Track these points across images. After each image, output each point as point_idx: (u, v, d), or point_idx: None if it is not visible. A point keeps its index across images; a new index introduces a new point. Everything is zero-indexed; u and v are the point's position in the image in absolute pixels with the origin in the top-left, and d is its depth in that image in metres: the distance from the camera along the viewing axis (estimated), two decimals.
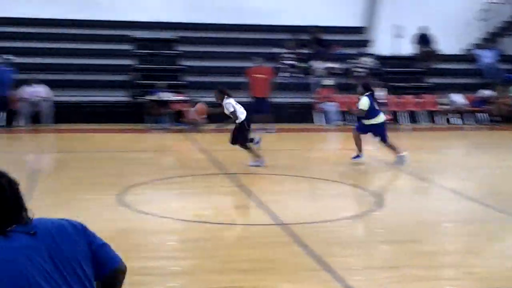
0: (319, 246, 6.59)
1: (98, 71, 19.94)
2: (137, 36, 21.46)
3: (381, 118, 12.01)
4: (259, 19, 21.87)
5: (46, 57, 19.91)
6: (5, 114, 17.55)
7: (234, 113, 11.48)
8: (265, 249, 6.59)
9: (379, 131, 12.03)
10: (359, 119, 12.20)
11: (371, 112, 11.89)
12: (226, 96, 11.60)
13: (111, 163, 11.82)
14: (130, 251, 6.51)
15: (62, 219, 2.21)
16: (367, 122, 11.98)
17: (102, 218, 7.72)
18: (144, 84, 19.37)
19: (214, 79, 20.26)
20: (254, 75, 17.58)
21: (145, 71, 20.37)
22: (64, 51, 20.31)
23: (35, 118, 17.73)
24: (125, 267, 2.29)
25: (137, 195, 9.24)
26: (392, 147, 12.14)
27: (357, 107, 12.00)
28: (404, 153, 11.97)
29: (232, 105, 11.54)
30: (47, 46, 20.33)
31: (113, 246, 6.91)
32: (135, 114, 18.40)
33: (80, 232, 2.22)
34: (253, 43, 21.75)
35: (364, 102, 11.82)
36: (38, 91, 17.82)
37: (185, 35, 21.78)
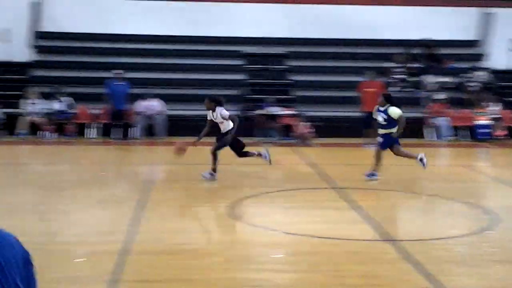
0: (430, 264, 6.42)
1: (210, 85, 20.41)
2: (248, 52, 21.83)
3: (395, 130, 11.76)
4: (369, 33, 21.70)
5: (161, 72, 20.63)
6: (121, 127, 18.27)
7: (231, 116, 11.30)
8: (373, 265, 6.50)
9: (389, 140, 11.69)
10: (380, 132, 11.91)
11: (390, 123, 11.61)
12: (217, 105, 11.44)
13: (222, 176, 12.04)
14: (238, 262, 6.61)
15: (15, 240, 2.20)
16: (383, 131, 11.69)
17: (213, 229, 7.89)
18: (254, 98, 19.65)
19: (323, 93, 20.31)
20: (365, 89, 17.39)
21: (255, 86, 20.66)
22: (177, 66, 20.97)
23: (150, 131, 18.36)
24: None
25: (247, 207, 9.36)
26: (378, 159, 11.74)
27: (386, 120, 11.64)
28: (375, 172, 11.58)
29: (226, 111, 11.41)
30: (161, 62, 21.06)
31: (223, 257, 7.04)
32: (244, 128, 18.63)
33: (25, 256, 2.19)
34: (363, 57, 21.60)
35: (396, 110, 11.53)
36: (152, 105, 18.45)
37: (295, 50, 21.93)
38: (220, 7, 22.19)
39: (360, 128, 17.20)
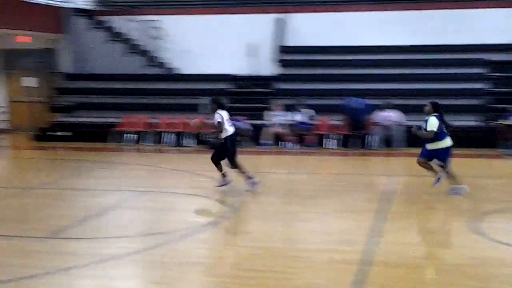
0: None
1: (449, 95, 19.83)
2: (492, 59, 20.87)
3: (448, 142, 10.67)
4: None
5: (398, 83, 20.48)
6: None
7: (220, 124, 10.94)
8: None
9: (444, 155, 10.69)
10: (424, 142, 10.90)
11: (438, 135, 10.58)
12: (218, 108, 11.13)
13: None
14: (487, 281, 6.36)
15: None
16: (431, 146, 10.72)
17: (454, 245, 7.71)
18: (497, 108, 18.74)
19: None
20: None
21: (499, 95, 19.69)
22: (414, 76, 20.66)
23: (388, 142, 18.35)
24: None
25: (491, 223, 8.98)
26: (451, 175, 10.81)
27: (425, 129, 10.67)
28: (463, 186, 10.81)
29: (222, 117, 11.02)
30: (399, 72, 20.91)
31: (465, 273, 6.87)
32: (487, 138, 17.88)
33: None
34: None
35: (433, 123, 10.53)
36: (390, 116, 18.43)
37: None
38: (461, 14, 21.52)
39: None
